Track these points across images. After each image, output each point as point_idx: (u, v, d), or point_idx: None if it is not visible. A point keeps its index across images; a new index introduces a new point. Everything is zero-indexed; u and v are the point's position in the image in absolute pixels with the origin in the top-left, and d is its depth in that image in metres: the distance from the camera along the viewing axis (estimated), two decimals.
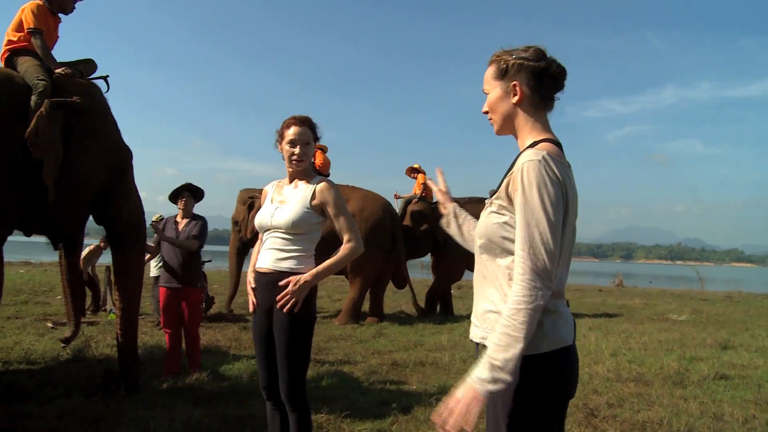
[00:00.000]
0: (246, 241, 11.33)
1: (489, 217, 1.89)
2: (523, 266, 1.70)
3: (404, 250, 11.29)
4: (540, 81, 1.91)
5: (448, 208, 2.36)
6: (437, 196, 2.44)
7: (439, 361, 6.74)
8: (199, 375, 5.48)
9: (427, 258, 13.18)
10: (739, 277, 52.41)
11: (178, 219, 5.96)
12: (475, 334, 1.93)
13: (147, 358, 6.08)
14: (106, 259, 9.81)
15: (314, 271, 3.04)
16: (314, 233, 3.19)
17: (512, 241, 1.79)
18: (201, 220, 5.94)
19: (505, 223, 1.83)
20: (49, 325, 8.47)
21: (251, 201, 11.15)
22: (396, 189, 12.49)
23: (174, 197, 6.04)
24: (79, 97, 4.48)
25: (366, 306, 11.14)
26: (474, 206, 12.11)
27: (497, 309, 1.81)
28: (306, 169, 3.21)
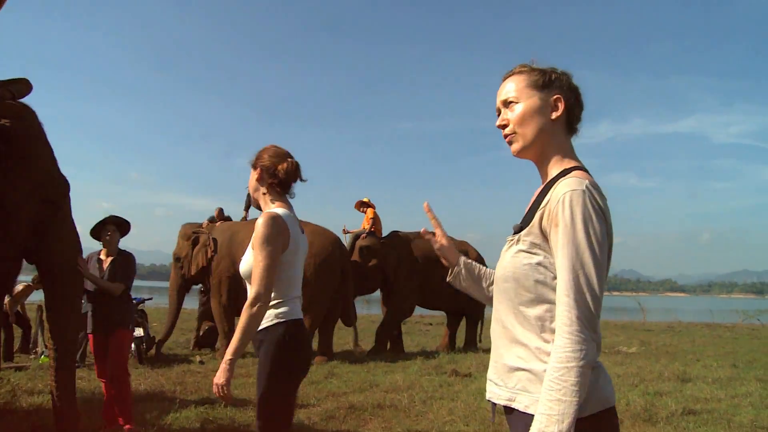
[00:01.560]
0: (188, 278, 10.84)
1: (517, 257, 1.61)
2: (569, 315, 1.44)
3: (353, 286, 10.98)
4: (575, 102, 1.71)
5: (455, 261, 2.00)
6: (436, 245, 2.02)
7: (398, 404, 6.40)
8: (137, 429, 4.98)
9: (374, 294, 12.91)
10: (674, 307, 53.90)
11: (102, 256, 5.32)
12: (498, 395, 1.63)
13: (84, 407, 5.53)
14: (38, 296, 9.18)
15: (230, 348, 2.61)
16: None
17: (546, 285, 1.54)
18: (128, 257, 5.35)
19: (539, 264, 1.56)
20: None
21: (195, 236, 10.73)
22: (345, 223, 12.22)
23: (96, 232, 5.36)
24: (7, 120, 4.02)
25: (314, 344, 10.74)
26: (422, 241, 11.92)
27: (528, 367, 1.54)
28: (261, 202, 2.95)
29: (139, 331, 9.36)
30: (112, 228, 5.34)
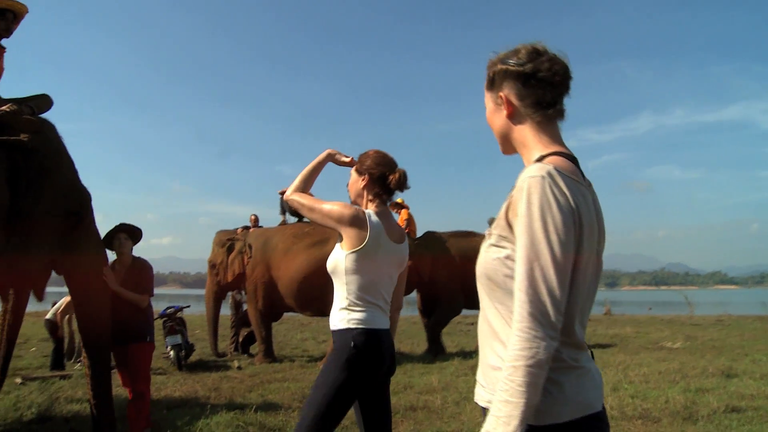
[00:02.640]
0: (224, 285, 10.94)
1: (488, 252, 1.53)
2: (520, 311, 1.35)
3: None
4: (529, 88, 1.58)
5: None
6: None
7: (430, 405, 6.32)
8: None
9: (411, 295, 12.81)
10: (725, 300, 52.40)
11: (116, 266, 5.18)
12: (481, 396, 1.56)
13: (122, 413, 5.59)
14: None
15: None
16: (341, 274, 2.77)
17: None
18: (143, 265, 5.26)
19: (507, 257, 1.47)
20: (18, 380, 7.97)
21: (230, 243, 10.83)
22: None
23: (108, 241, 5.18)
24: (27, 135, 4.09)
25: None
26: (458, 240, 11.79)
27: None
28: None
29: (176, 339, 9.48)
30: (124, 236, 5.24)
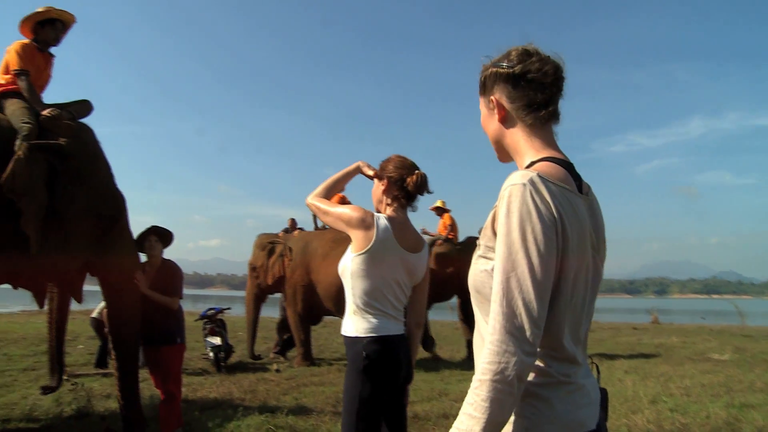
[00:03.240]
0: (264, 287, 11.03)
1: (477, 264, 1.49)
2: (493, 324, 1.30)
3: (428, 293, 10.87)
4: (519, 90, 1.53)
5: None
6: None
7: None
8: None
9: (453, 300, 12.72)
10: None
11: (146, 268, 5.23)
12: None
13: (152, 413, 5.69)
14: None
15: None
16: (348, 277, 2.81)
17: None
18: (175, 270, 5.28)
19: (495, 269, 1.39)
20: (63, 377, 8.20)
21: (271, 246, 10.91)
22: (423, 225, 12.09)
23: (140, 242, 5.24)
24: (65, 139, 4.23)
25: None
26: None
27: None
28: None
29: (216, 340, 9.59)
30: (154, 238, 5.26)
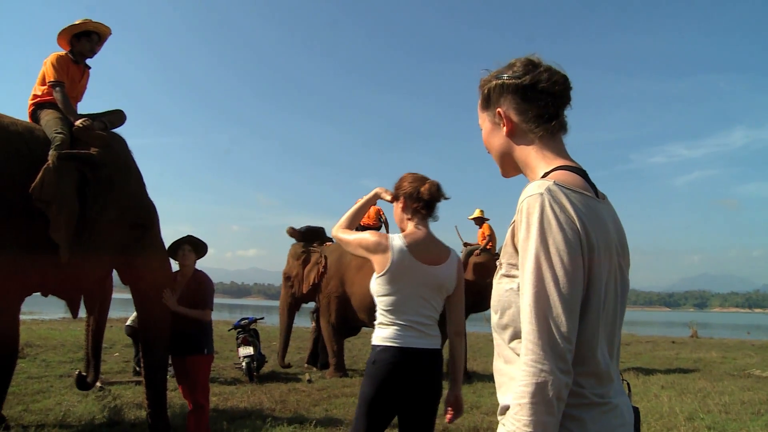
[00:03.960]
0: (299, 297, 11.06)
1: (500, 283, 1.43)
2: (526, 344, 1.25)
3: (466, 303, 10.75)
4: (529, 101, 1.49)
5: None
6: None
7: (495, 427, 6.14)
8: None
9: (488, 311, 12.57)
10: None
11: (178, 277, 5.24)
12: None
13: (179, 422, 5.72)
14: None
15: None
16: (374, 296, 2.98)
17: None
18: (206, 281, 5.27)
19: (521, 287, 1.34)
20: (98, 384, 8.31)
21: (306, 255, 10.94)
22: (456, 224, 11.99)
23: (173, 251, 5.25)
24: (96, 149, 4.32)
25: None
26: None
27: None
28: None
29: (249, 350, 9.64)
30: (188, 248, 5.23)
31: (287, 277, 11.20)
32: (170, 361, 5.15)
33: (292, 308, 11.34)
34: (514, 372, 1.37)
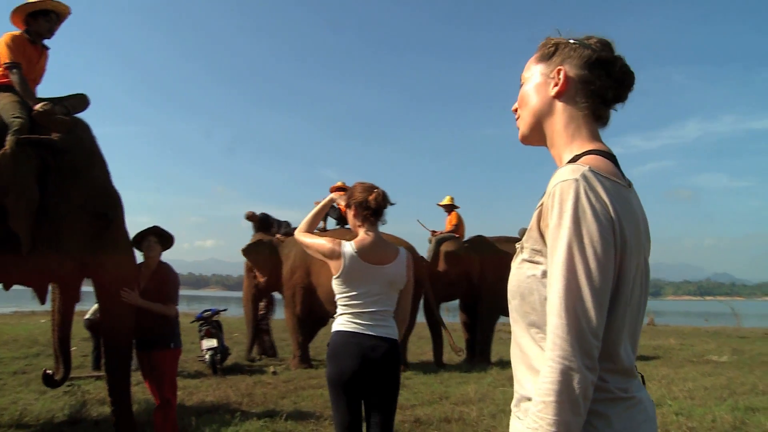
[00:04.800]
0: (262, 288, 10.90)
1: (521, 269, 1.35)
2: (553, 338, 1.18)
3: (435, 293, 10.75)
4: (595, 76, 1.39)
5: None
6: None
7: (466, 417, 6.13)
8: None
9: (452, 302, 12.58)
10: None
11: (143, 269, 4.99)
12: (518, 429, 1.35)
13: (144, 418, 5.53)
14: None
15: None
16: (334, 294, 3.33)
17: None
18: (171, 274, 5.04)
19: (544, 274, 1.28)
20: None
21: (269, 247, 10.78)
22: (419, 216, 11.95)
23: (137, 242, 5.01)
24: (58, 135, 4.09)
25: None
26: (505, 245, 11.58)
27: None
28: None
29: (212, 342, 9.46)
30: (153, 239, 5.03)
31: (249, 268, 11.02)
32: (134, 355, 4.95)
33: (256, 300, 11.19)
34: (532, 360, 1.32)
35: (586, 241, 1.18)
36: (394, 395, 3.26)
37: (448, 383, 8.57)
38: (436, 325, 10.93)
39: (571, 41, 1.45)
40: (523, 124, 1.49)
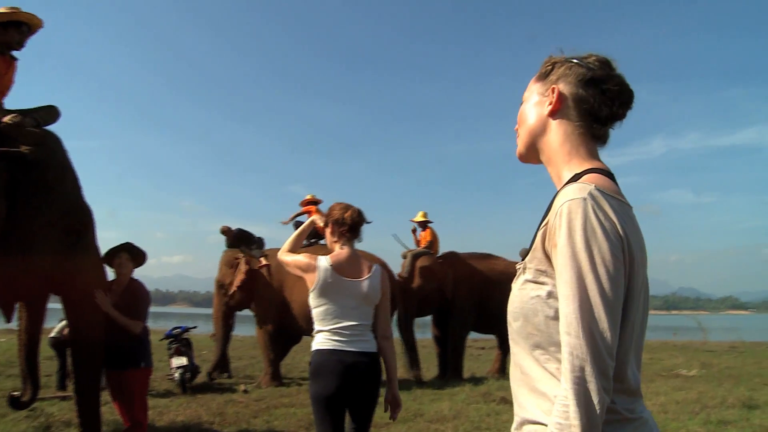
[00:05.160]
0: (233, 305, 10.74)
1: (524, 289, 1.33)
2: (570, 359, 1.15)
3: (410, 309, 10.74)
4: (590, 94, 1.39)
5: None
6: None
7: None
8: None
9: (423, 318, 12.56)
10: (737, 326, 51.74)
11: (114, 286, 4.85)
12: None
13: None
14: None
15: None
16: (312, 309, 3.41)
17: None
18: (141, 292, 4.90)
19: (549, 295, 1.27)
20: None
21: (239, 263, 10.63)
22: (395, 231, 11.95)
23: (109, 258, 4.87)
24: (29, 147, 3.97)
25: None
26: (477, 261, 11.61)
27: (548, 421, 1.23)
28: None
29: (182, 361, 9.29)
30: (125, 256, 4.91)
31: (221, 285, 10.86)
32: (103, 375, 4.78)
33: (227, 317, 11.01)
34: (536, 382, 1.29)
35: (598, 259, 1.17)
36: (372, 405, 3.36)
37: (421, 400, 8.50)
38: (411, 341, 10.91)
39: (569, 60, 1.45)
40: (521, 142, 1.50)
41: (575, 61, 1.43)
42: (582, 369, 1.14)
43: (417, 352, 10.98)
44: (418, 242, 11.71)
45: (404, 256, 11.53)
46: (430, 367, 12.14)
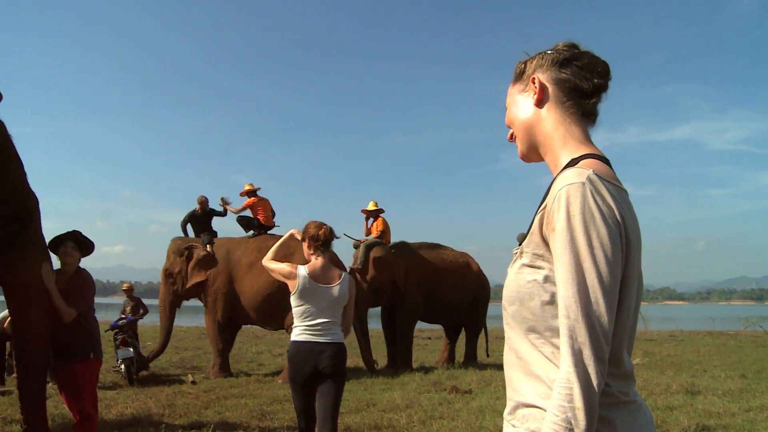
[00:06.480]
0: (181, 294, 10.54)
1: (520, 274, 1.31)
2: (569, 342, 1.14)
3: (364, 300, 10.68)
4: (568, 74, 1.41)
5: None
6: None
7: (396, 424, 6.07)
8: None
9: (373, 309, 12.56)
10: (674, 315, 53.57)
11: (59, 276, 4.57)
12: None
13: None
14: None
15: None
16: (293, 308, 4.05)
17: (557, 306, 1.22)
18: (86, 282, 4.69)
19: (546, 279, 1.26)
20: None
21: (189, 251, 10.41)
22: (345, 231, 11.83)
23: (54, 247, 4.65)
24: None
25: None
26: (427, 251, 11.66)
27: (544, 405, 1.23)
28: None
29: (128, 352, 9.07)
30: (71, 244, 4.68)
31: (169, 274, 10.64)
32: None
33: (173, 306, 10.82)
34: (531, 366, 1.29)
35: (596, 244, 1.17)
36: (340, 383, 3.97)
37: (372, 390, 8.50)
38: (364, 330, 10.89)
39: (539, 53, 1.47)
40: (520, 141, 1.49)
41: (547, 51, 1.45)
42: (581, 352, 1.13)
43: (369, 341, 10.97)
44: (368, 231, 11.65)
45: (356, 247, 11.49)
46: (378, 357, 12.15)
